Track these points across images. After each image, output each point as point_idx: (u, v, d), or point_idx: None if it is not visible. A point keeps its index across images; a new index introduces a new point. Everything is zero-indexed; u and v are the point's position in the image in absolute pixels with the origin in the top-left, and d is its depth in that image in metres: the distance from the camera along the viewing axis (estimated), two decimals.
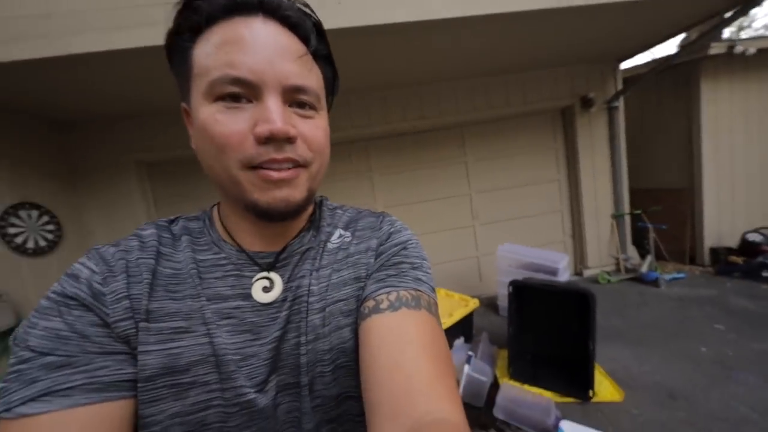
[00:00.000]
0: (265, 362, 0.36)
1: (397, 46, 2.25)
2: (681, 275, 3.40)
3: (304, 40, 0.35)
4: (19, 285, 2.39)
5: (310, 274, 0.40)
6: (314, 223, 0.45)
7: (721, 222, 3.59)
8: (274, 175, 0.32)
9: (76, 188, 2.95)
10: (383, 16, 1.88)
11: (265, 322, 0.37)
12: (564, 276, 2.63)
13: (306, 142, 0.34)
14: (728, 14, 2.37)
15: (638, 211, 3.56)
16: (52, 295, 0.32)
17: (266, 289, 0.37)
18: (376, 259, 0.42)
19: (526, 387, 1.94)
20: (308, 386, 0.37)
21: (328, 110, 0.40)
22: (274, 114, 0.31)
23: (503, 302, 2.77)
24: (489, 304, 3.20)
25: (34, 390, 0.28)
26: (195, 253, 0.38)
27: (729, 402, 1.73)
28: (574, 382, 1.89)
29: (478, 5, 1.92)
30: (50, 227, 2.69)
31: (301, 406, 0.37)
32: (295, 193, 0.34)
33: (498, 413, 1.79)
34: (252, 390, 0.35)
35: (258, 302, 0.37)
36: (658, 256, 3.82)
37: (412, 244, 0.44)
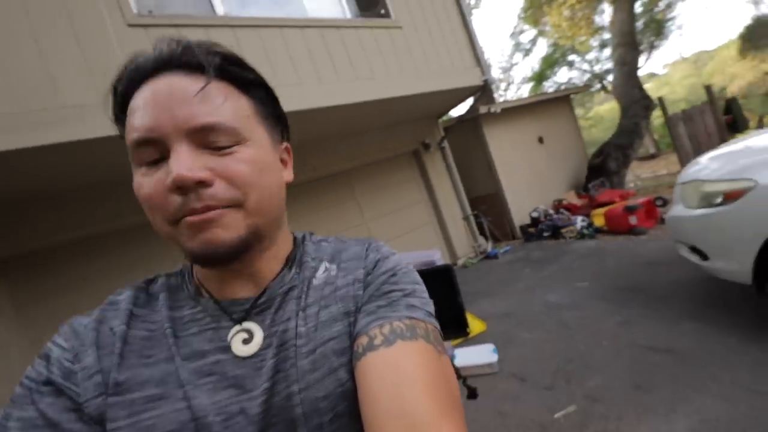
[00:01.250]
0: (255, 418, 0.30)
1: (293, 122, 2.89)
2: (508, 248, 5.00)
3: (204, 70, 0.31)
4: None
5: (296, 315, 0.35)
6: (296, 260, 0.40)
7: (519, 209, 5.50)
8: (192, 219, 0.29)
9: None
10: (292, 102, 2.51)
11: (250, 374, 0.32)
12: (440, 263, 3.61)
13: (228, 179, 0.30)
14: (476, 96, 4.07)
15: (475, 212, 5.10)
16: (26, 381, 0.30)
17: (246, 341, 0.33)
18: (364, 290, 0.38)
19: None
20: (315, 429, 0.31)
21: (286, 129, 0.38)
22: (174, 163, 0.28)
23: None
24: None
25: None
26: (172, 311, 0.34)
27: (534, 308, 2.88)
28: (458, 328, 2.74)
29: (334, 98, 2.80)
30: None
31: None
32: (223, 234, 0.30)
33: None
34: None
35: (239, 356, 0.33)
36: (496, 239, 5.46)
37: (401, 269, 0.40)
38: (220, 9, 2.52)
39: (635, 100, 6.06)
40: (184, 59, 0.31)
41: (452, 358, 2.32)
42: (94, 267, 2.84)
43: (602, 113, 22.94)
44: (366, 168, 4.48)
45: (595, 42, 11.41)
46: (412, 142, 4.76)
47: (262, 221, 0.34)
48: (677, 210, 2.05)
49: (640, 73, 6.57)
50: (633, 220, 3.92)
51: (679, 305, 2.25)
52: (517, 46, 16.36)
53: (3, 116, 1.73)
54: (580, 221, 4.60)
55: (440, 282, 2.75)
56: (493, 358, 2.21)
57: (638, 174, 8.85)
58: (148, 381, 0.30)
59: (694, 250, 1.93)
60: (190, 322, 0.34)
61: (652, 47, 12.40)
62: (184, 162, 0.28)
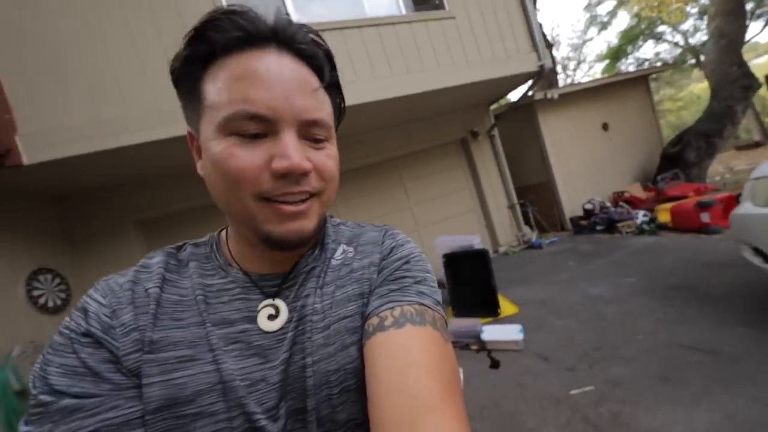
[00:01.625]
0: (275, 387, 0.32)
1: (348, 115, 3.19)
2: (555, 239, 4.79)
3: (317, 71, 0.33)
4: (46, 339, 2.60)
5: (315, 292, 0.36)
6: (319, 241, 0.41)
7: (572, 200, 5.15)
8: (289, 209, 0.31)
9: (79, 251, 3.20)
10: (347, 98, 2.81)
11: (273, 345, 0.34)
12: (478, 248, 3.69)
13: (319, 172, 0.33)
14: (529, 83, 3.87)
15: (522, 202, 4.95)
16: (65, 332, 0.30)
17: (272, 317, 0.34)
18: (378, 274, 0.39)
19: (464, 319, 2.85)
20: (315, 411, 0.32)
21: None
22: (292, 150, 0.30)
23: (443, 277, 3.72)
24: (439, 285, 4.13)
25: None
26: (202, 278, 0.35)
27: (571, 298, 2.85)
28: (489, 308, 2.86)
29: (386, 92, 2.99)
30: (62, 287, 2.93)
31: (327, 427, 0.32)
32: (308, 224, 0.33)
33: (451, 336, 2.65)
34: (263, 416, 0.31)
35: (264, 330, 0.34)
36: (542, 229, 5.24)
37: (414, 257, 0.40)
38: (294, 16, 2.86)
39: (732, 80, 5.04)
40: (299, 45, 0.31)
41: (479, 333, 2.48)
42: (212, 228, 3.60)
43: (699, 92, 19.14)
44: (414, 155, 4.64)
45: (693, 8, 9.45)
46: (460, 130, 4.74)
47: (324, 212, 0.36)
48: (744, 207, 1.87)
49: (754, 44, 5.36)
50: (705, 217, 3.47)
51: (733, 309, 2.07)
52: (593, 20, 14.32)
53: (142, 118, 2.32)
54: (641, 216, 4.19)
55: (476, 264, 2.89)
56: (519, 336, 2.32)
57: (732, 166, 7.42)
58: (180, 342, 0.31)
59: (758, 251, 1.77)
60: (221, 290, 0.35)
61: None
62: (297, 151, 0.30)
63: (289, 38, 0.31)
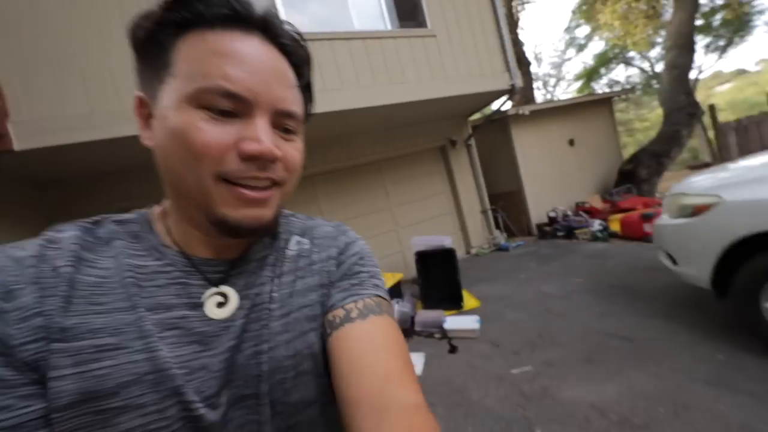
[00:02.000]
0: (216, 374, 0.30)
1: (333, 119, 3.36)
2: (521, 243, 5.11)
3: (296, 69, 0.33)
4: None
5: (272, 281, 0.36)
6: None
7: (539, 208, 5.51)
8: (250, 194, 0.30)
9: None
10: (332, 104, 2.98)
11: (216, 332, 0.32)
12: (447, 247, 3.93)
13: (285, 162, 0.32)
14: (503, 99, 4.18)
15: (493, 207, 5.26)
16: None
17: (221, 305, 0.33)
18: (337, 267, 0.40)
19: (430, 311, 3.07)
20: (268, 395, 0.32)
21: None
22: (264, 134, 0.29)
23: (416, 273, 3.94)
24: (413, 281, 4.35)
25: None
26: (131, 259, 0.31)
27: (527, 295, 3.13)
28: (454, 302, 3.09)
29: (369, 100, 3.18)
30: None
31: (260, 418, 0.32)
32: (268, 213, 0.32)
33: (417, 327, 2.85)
34: (201, 405, 0.29)
35: (213, 319, 0.32)
36: (511, 233, 5.57)
37: (367, 254, 0.43)
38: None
39: (680, 107, 5.57)
40: (283, 40, 0.31)
41: (442, 323, 2.70)
42: None
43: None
44: (395, 159, 4.85)
45: (660, 38, 10.22)
46: (439, 138, 4.99)
47: (284, 203, 0.35)
48: (661, 219, 2.17)
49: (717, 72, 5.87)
50: (648, 227, 3.85)
51: (658, 305, 2.38)
52: (572, 41, 15.10)
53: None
54: (597, 224, 4.57)
55: (444, 262, 3.12)
56: (476, 325, 2.55)
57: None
58: (101, 330, 0.27)
59: (669, 255, 2.07)
60: (156, 273, 0.32)
61: (728, 44, 10.77)
62: (269, 137, 0.29)
63: (275, 30, 0.31)
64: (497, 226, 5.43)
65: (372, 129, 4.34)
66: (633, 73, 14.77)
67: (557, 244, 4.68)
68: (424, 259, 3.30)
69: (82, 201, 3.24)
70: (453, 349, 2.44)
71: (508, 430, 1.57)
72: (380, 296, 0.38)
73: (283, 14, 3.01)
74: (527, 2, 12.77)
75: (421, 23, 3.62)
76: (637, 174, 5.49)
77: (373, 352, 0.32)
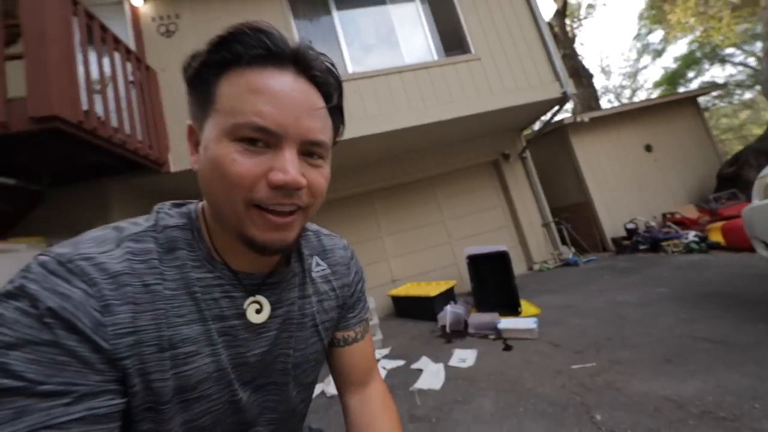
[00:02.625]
0: (252, 368, 0.39)
1: (388, 139, 3.85)
2: (594, 258, 4.63)
3: (326, 96, 0.35)
4: None
5: (300, 299, 0.44)
6: (297, 249, 0.47)
7: (613, 220, 4.97)
8: (276, 219, 0.33)
9: None
10: (386, 125, 3.49)
11: (254, 338, 0.39)
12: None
13: (310, 189, 0.34)
14: (555, 109, 4.16)
15: (556, 220, 4.95)
16: (32, 310, 0.25)
17: (258, 311, 0.39)
18: (351, 295, 0.51)
19: (484, 314, 3.02)
20: (294, 379, 0.43)
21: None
22: (290, 165, 0.32)
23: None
24: (467, 294, 4.30)
25: (23, 425, 0.23)
26: (192, 272, 0.35)
27: (596, 303, 2.86)
28: (510, 307, 3.00)
29: (420, 119, 3.58)
30: None
31: (280, 397, 0.43)
32: (290, 235, 0.35)
33: (471, 329, 2.85)
34: (241, 390, 0.38)
35: (252, 322, 0.38)
36: (582, 250, 5.08)
37: (365, 278, 0.54)
38: (350, 69, 3.72)
39: None
40: (314, 72, 0.33)
41: (497, 324, 2.67)
42: None
43: None
44: (447, 175, 5.08)
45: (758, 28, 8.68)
46: (491, 153, 5.08)
47: (305, 225, 0.39)
48: (752, 204, 1.93)
49: None
50: None
51: (761, 310, 1.99)
52: (645, 48, 13.79)
53: None
54: (692, 235, 3.92)
55: (498, 265, 3.12)
56: (534, 325, 2.46)
57: None
58: (186, 339, 0.33)
59: (764, 243, 1.80)
60: (211, 286, 0.35)
61: None
62: (295, 167, 0.32)
63: (306, 64, 0.33)
64: (563, 241, 5.04)
65: (424, 147, 4.72)
66: (737, 70, 12.51)
67: (639, 258, 4.12)
68: (477, 263, 3.33)
69: None
70: (507, 347, 2.39)
71: (563, 413, 1.52)
72: (367, 318, 0.55)
73: (350, 68, 3.75)
74: (583, 18, 12.38)
75: (466, 49, 4.00)
76: (743, 176, 4.57)
77: (365, 359, 0.53)
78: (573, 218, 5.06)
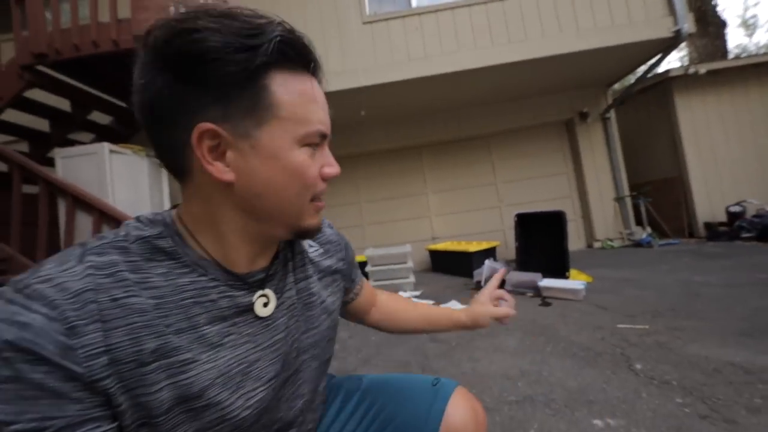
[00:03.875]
0: (272, 362, 0.38)
1: (445, 84, 3.62)
2: (675, 241, 3.95)
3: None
4: None
5: (304, 281, 0.45)
6: None
7: (712, 202, 4.10)
8: (321, 205, 0.39)
9: None
10: (447, 66, 3.28)
11: (261, 331, 0.38)
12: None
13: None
14: (656, 58, 3.37)
15: (634, 194, 4.27)
16: None
17: (266, 305, 0.39)
18: (346, 266, 0.55)
19: (525, 273, 2.88)
20: (314, 357, 0.45)
21: None
22: (334, 160, 0.38)
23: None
24: (512, 260, 4.10)
25: None
26: (179, 278, 0.33)
27: (665, 280, 2.50)
28: (557, 272, 2.79)
29: (484, 60, 3.24)
30: None
31: (311, 377, 0.45)
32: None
33: (508, 286, 2.76)
34: (262, 389, 0.36)
35: (260, 316, 0.38)
36: (662, 233, 4.36)
37: (351, 246, 0.60)
38: (414, 2, 3.48)
39: None
40: (321, 75, 0.37)
41: (537, 282, 2.53)
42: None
43: None
44: (508, 133, 4.65)
45: None
46: (566, 111, 4.45)
47: None
48: None
49: None
50: None
51: None
52: None
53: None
54: None
55: (550, 226, 2.89)
56: (580, 286, 2.27)
57: None
58: (178, 347, 0.31)
59: None
60: (206, 288, 0.34)
61: None
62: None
63: (319, 71, 0.37)
64: (638, 221, 4.38)
65: (486, 100, 4.34)
66: None
67: (736, 245, 3.40)
68: (525, 222, 3.12)
69: None
70: (545, 303, 2.28)
71: (596, 358, 1.43)
72: (362, 276, 0.63)
73: (414, 2, 3.49)
74: None
75: None
76: None
77: (369, 296, 0.63)
78: (657, 195, 4.29)
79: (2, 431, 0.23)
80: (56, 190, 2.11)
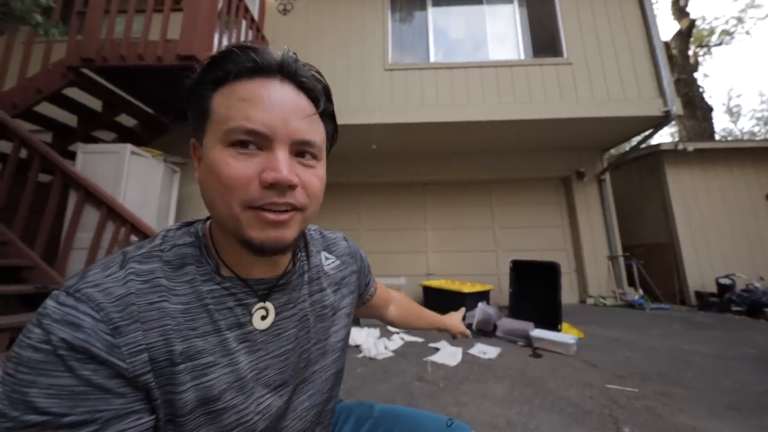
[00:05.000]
0: (279, 371, 0.39)
1: (454, 130, 3.89)
2: (666, 306, 3.98)
3: (315, 101, 0.37)
4: None
5: (319, 293, 0.46)
6: (305, 248, 0.49)
7: (702, 271, 4.20)
8: (270, 217, 0.33)
9: None
10: (456, 116, 3.56)
11: (272, 339, 0.40)
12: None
13: (305, 188, 0.36)
14: (648, 132, 3.70)
15: (627, 254, 4.37)
16: (45, 347, 0.27)
17: (264, 317, 0.39)
18: (360, 276, 0.58)
19: (517, 321, 2.86)
20: (321, 370, 0.45)
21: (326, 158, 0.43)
22: (282, 164, 0.33)
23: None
24: (504, 307, 4.07)
25: None
26: (203, 285, 0.36)
27: (654, 344, 2.49)
28: (549, 324, 2.78)
29: (491, 115, 3.53)
30: None
31: (321, 388, 0.44)
32: (288, 234, 0.35)
33: (499, 333, 2.73)
34: (269, 395, 0.38)
35: (257, 329, 0.38)
36: (653, 297, 4.40)
37: (365, 255, 0.62)
38: (433, 58, 3.86)
39: None
40: (300, 78, 0.35)
41: (529, 331, 2.51)
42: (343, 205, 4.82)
43: None
44: (508, 182, 4.87)
45: None
46: (563, 168, 4.72)
47: (305, 226, 0.40)
48: None
49: None
50: None
51: None
52: None
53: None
54: None
55: (544, 276, 2.95)
56: (572, 341, 2.26)
57: None
58: (202, 350, 0.33)
59: None
60: (224, 296, 0.37)
61: None
62: (286, 166, 0.33)
63: (292, 72, 0.35)
64: (630, 281, 4.44)
65: (490, 149, 4.61)
66: None
67: (726, 318, 3.43)
68: (520, 269, 3.17)
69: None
70: (536, 354, 2.25)
71: (584, 416, 1.41)
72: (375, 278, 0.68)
73: (432, 57, 3.90)
74: (714, 45, 10.53)
75: (558, 53, 3.82)
76: None
77: (383, 295, 0.69)
78: (649, 259, 4.41)
79: (58, 422, 0.25)
80: (71, 181, 2.17)
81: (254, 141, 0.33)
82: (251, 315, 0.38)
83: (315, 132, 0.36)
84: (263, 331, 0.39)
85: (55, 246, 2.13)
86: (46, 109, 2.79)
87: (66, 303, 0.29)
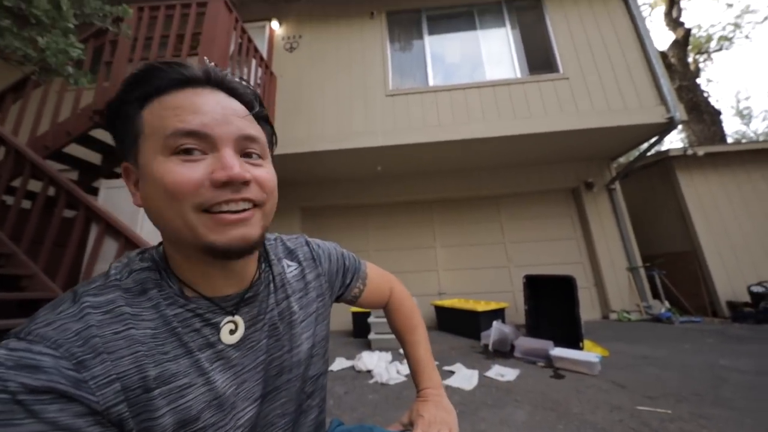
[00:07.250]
0: (257, 382, 0.40)
1: (457, 148, 3.95)
2: (697, 319, 3.73)
3: (248, 104, 0.37)
4: None
5: (285, 300, 0.46)
6: (265, 257, 0.47)
7: (732, 279, 3.95)
8: (230, 217, 0.33)
9: None
10: (458, 134, 3.64)
11: (246, 353, 0.39)
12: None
13: (259, 184, 0.36)
14: (654, 138, 3.67)
15: (647, 264, 4.19)
16: (3, 395, 0.25)
17: (232, 332, 0.39)
18: (333, 275, 0.55)
19: (536, 340, 2.72)
20: (297, 377, 0.44)
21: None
22: (231, 161, 0.32)
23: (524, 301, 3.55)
24: (521, 326, 3.91)
25: None
26: (168, 309, 0.35)
27: (687, 361, 2.32)
28: (570, 341, 2.64)
29: (492, 131, 3.59)
30: None
31: (295, 395, 0.44)
32: (252, 231, 0.35)
33: (517, 353, 2.61)
34: (250, 407, 0.38)
35: (226, 344, 0.38)
36: (681, 309, 4.15)
37: (335, 249, 0.58)
38: (431, 82, 4.03)
39: None
40: (229, 85, 0.36)
41: (549, 350, 2.40)
42: (352, 222, 4.89)
43: None
44: (516, 196, 4.84)
45: None
46: (571, 179, 4.68)
47: (267, 224, 0.39)
48: None
49: None
50: None
51: None
52: None
53: (335, 134, 3.73)
54: None
55: (560, 292, 2.85)
56: (595, 359, 2.13)
57: None
58: (176, 373, 0.33)
59: None
60: (190, 318, 0.36)
61: None
62: (236, 162, 0.33)
63: (219, 80, 0.36)
64: (655, 294, 4.21)
65: (495, 165, 4.64)
66: None
67: (764, 328, 3.18)
68: (535, 285, 3.07)
69: (280, 201, 4.97)
70: (557, 375, 2.12)
71: None
72: (360, 263, 0.62)
73: (431, 81, 4.07)
74: (714, 51, 10.56)
75: (553, 69, 3.92)
76: None
77: (378, 291, 0.64)
78: (671, 269, 4.20)
79: None
80: (93, 215, 2.30)
81: (198, 147, 0.33)
82: (219, 333, 0.38)
83: (256, 129, 0.37)
84: (235, 346, 0.38)
85: (75, 276, 2.22)
86: (74, 149, 3.01)
87: (18, 348, 0.27)
